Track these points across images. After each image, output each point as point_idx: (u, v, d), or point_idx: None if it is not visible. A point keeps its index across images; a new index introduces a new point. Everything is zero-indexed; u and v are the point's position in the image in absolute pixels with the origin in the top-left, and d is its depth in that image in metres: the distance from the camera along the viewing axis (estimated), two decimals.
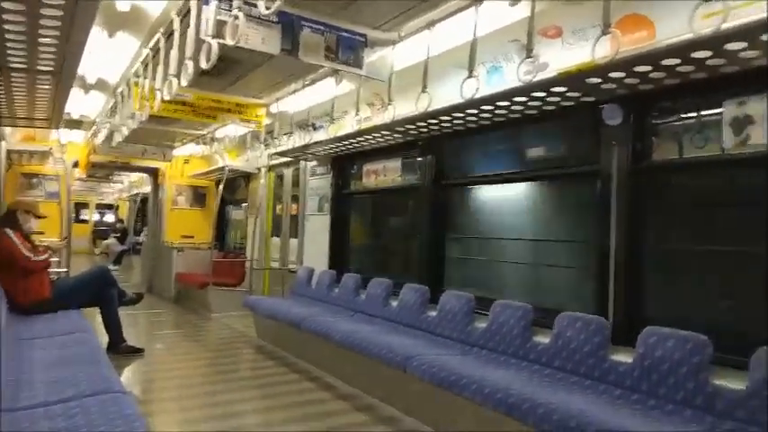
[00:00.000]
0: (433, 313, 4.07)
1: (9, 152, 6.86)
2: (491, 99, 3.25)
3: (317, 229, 6.43)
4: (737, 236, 2.81)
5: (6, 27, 2.58)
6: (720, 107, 2.74)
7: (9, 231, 4.53)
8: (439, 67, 3.86)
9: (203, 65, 2.62)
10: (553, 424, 2.32)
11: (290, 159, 6.91)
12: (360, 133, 4.61)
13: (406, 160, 5.22)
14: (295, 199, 7.32)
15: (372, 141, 4.90)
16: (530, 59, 2.99)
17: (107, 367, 3.10)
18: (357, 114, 4.59)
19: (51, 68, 3.35)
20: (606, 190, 3.18)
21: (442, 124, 3.96)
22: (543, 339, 3.18)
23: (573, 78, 2.84)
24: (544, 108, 3.37)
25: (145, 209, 14.83)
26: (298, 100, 5.57)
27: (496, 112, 3.53)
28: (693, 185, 3.09)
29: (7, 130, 5.97)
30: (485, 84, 3.60)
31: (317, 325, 4.46)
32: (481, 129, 3.97)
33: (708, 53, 2.32)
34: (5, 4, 2.32)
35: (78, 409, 2.44)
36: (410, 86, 3.90)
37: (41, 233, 5.28)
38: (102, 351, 3.63)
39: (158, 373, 4.79)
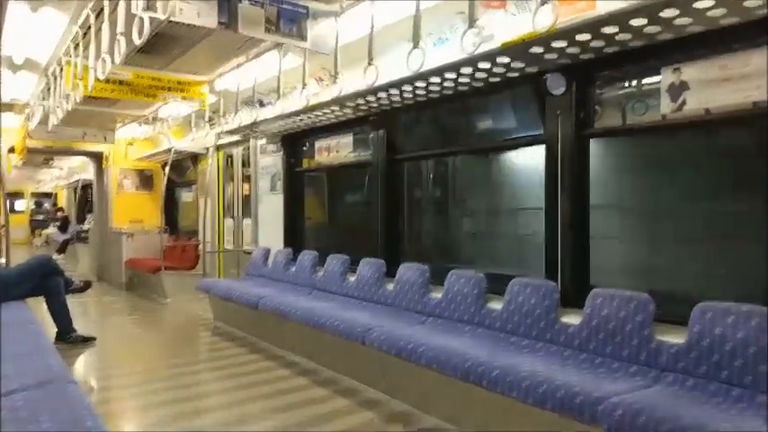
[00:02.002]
0: (391, 286, 4.11)
1: None
2: (437, 71, 3.25)
3: (271, 209, 6.34)
4: (678, 197, 2.95)
5: None
6: (659, 74, 2.83)
7: None
8: (386, 39, 3.82)
9: (137, 41, 2.50)
10: (506, 386, 2.41)
11: (238, 138, 6.73)
12: (309, 109, 4.53)
13: (358, 136, 5.18)
14: (247, 179, 7.17)
15: (322, 117, 4.83)
16: (474, 30, 2.99)
17: (53, 357, 3.00)
18: (304, 89, 4.50)
19: None
20: (552, 158, 3.26)
21: (392, 98, 3.94)
22: (497, 306, 3.27)
23: (516, 49, 2.87)
24: (491, 80, 3.39)
25: (87, 195, 14.22)
26: (243, 76, 5.39)
27: (444, 84, 3.53)
28: (637, 152, 3.21)
29: None
30: (431, 56, 3.59)
31: (275, 304, 4.44)
32: (431, 102, 3.97)
33: (644, 21, 2.38)
34: None
35: (22, 402, 2.36)
36: (358, 60, 3.84)
37: None
38: (49, 341, 3.49)
39: (112, 362, 4.67)
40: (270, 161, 6.39)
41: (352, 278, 4.57)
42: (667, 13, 2.29)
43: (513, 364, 2.55)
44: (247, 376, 3.99)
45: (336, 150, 5.53)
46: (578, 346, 2.77)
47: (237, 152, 7.41)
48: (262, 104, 5.55)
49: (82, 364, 4.47)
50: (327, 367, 3.99)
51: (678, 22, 2.37)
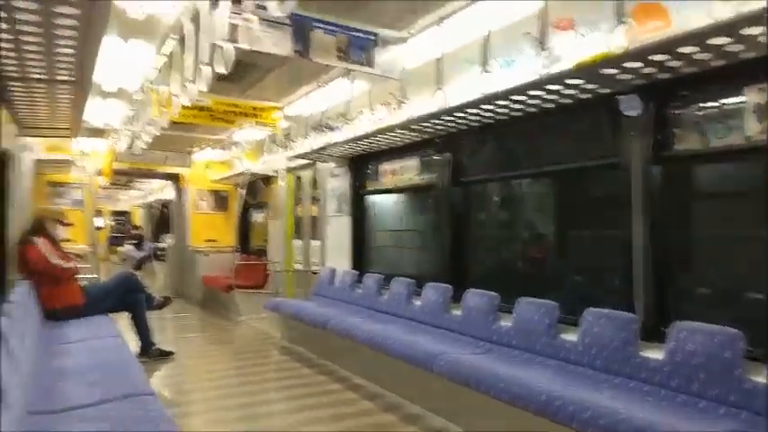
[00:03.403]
0: (457, 312, 4.05)
1: (36, 162, 7.05)
2: (506, 94, 3.22)
3: (338, 230, 6.45)
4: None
5: (25, 39, 2.65)
6: (742, 94, 2.67)
7: (37, 240, 4.65)
8: (453, 63, 3.84)
9: (220, 69, 2.65)
10: (582, 422, 2.30)
11: (307, 161, 6.95)
12: (376, 133, 4.61)
13: (424, 158, 5.20)
14: (315, 200, 7.36)
15: (388, 140, 4.90)
16: (543, 52, 2.96)
17: (137, 371, 3.17)
18: (372, 113, 4.59)
19: (69, 77, 3.42)
20: (626, 182, 3.13)
21: (458, 121, 3.94)
22: (570, 336, 3.15)
23: (588, 70, 2.80)
24: (560, 102, 3.33)
25: (162, 215, 15.04)
26: (313, 102, 5.60)
27: (512, 107, 3.50)
28: (717, 175, 3.03)
29: (34, 140, 6.13)
30: (500, 79, 3.57)
31: (341, 325, 4.49)
32: (498, 125, 3.94)
33: (726, 39, 2.26)
34: (21, 16, 2.37)
35: (110, 412, 2.51)
36: (424, 84, 3.89)
37: (69, 240, 5.40)
38: (132, 355, 3.70)
39: (188, 376, 4.87)
40: (337, 183, 6.53)
41: (417, 302, 4.55)
42: (751, 30, 2.17)
43: (590, 399, 2.43)
44: (314, 397, 4.04)
45: (401, 173, 5.58)
46: (660, 382, 2.60)
47: (306, 174, 7.62)
48: (329, 128, 5.71)
49: (160, 378, 4.69)
50: (393, 392, 3.97)
51: (763, 40, 2.23)
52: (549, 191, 4.13)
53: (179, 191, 9.78)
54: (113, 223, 21.45)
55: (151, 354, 4.99)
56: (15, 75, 3.26)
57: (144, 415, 2.47)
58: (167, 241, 11.92)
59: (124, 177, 11.52)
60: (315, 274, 6.81)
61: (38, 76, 3.32)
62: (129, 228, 18.83)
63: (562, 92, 3.14)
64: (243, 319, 7.32)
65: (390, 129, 4.42)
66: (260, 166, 7.91)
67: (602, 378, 2.84)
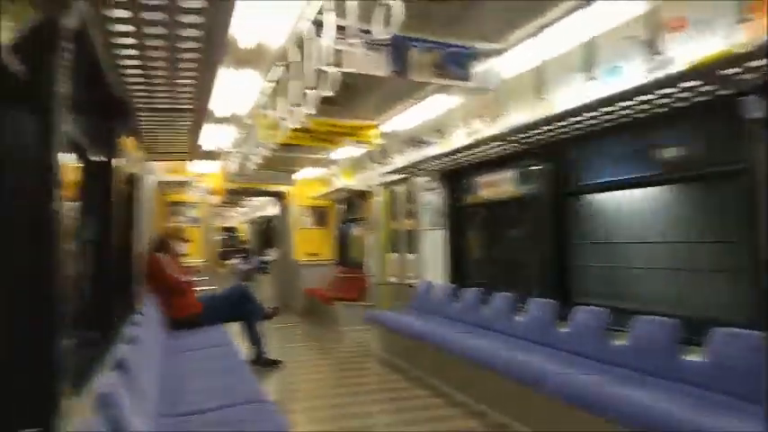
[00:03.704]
0: (564, 329, 3.89)
1: (158, 183, 7.78)
2: (619, 97, 3.06)
3: (433, 244, 6.46)
4: None
5: (153, 73, 2.94)
6: None
7: (161, 255, 5.12)
8: (551, 72, 3.75)
9: (326, 93, 2.79)
10: None
11: (402, 176, 7.05)
12: (472, 146, 4.59)
13: (522, 170, 5.08)
14: (410, 214, 7.43)
15: (484, 153, 4.85)
16: (655, 54, 2.80)
17: (252, 378, 3.37)
18: (467, 127, 4.58)
19: (188, 106, 3.75)
20: (754, 188, 2.85)
21: (560, 130, 3.82)
22: (694, 357, 2.91)
23: (705, 70, 2.61)
24: (673, 105, 3.12)
25: (266, 230, 15.86)
26: (408, 118, 5.69)
27: (621, 113, 3.33)
28: None
29: (156, 164, 6.77)
30: (605, 84, 3.43)
31: (440, 339, 4.47)
32: (603, 132, 3.76)
33: None
34: (152, 53, 2.64)
35: (230, 417, 2.68)
36: (520, 94, 3.82)
37: (187, 255, 5.88)
38: (246, 363, 3.94)
39: (293, 385, 5.08)
40: (432, 197, 6.56)
41: (519, 317, 4.42)
42: None
43: (722, 428, 2.23)
44: (414, 412, 4.05)
45: (498, 185, 5.49)
46: None
47: (401, 189, 7.73)
48: (424, 143, 5.76)
49: (269, 386, 4.93)
50: (495, 410, 3.87)
51: None
52: (663, 198, 3.86)
53: (282, 207, 10.30)
54: (223, 238, 22.99)
55: (262, 362, 5.27)
56: (144, 106, 3.62)
57: (262, 421, 2.61)
58: (272, 255, 12.56)
59: (233, 196, 12.32)
60: (411, 286, 6.87)
61: (162, 106, 3.68)
62: (237, 242, 20.06)
63: (676, 95, 2.95)
64: (343, 329, 7.52)
65: (488, 140, 4.38)
66: (356, 182, 8.14)
67: (734, 404, 2.59)
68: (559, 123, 3.61)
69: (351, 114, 5.56)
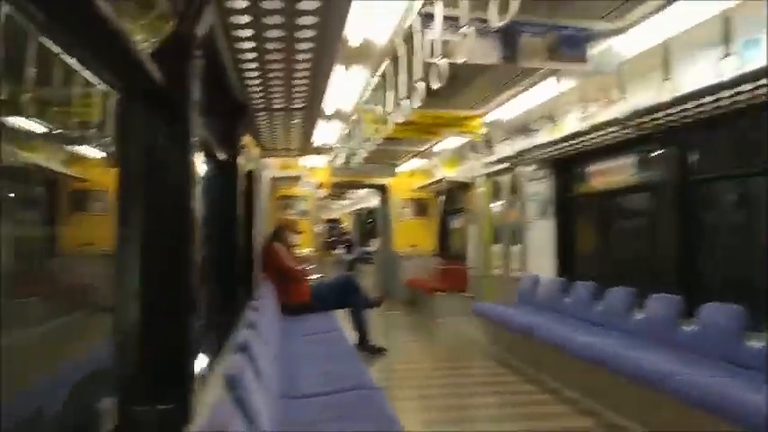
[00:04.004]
0: (689, 327, 3.59)
1: (272, 179, 8.26)
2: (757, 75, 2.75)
3: (539, 235, 6.23)
4: None
5: (272, 75, 3.10)
6: None
7: (278, 245, 5.42)
8: (677, 50, 3.43)
9: (434, 85, 2.78)
10: None
11: (505, 166, 6.87)
12: (588, 131, 4.34)
13: (640, 156, 4.73)
14: (513, 205, 7.23)
15: (598, 139, 4.57)
16: None
17: (361, 364, 3.48)
18: (581, 112, 4.34)
19: (303, 105, 3.92)
20: None
21: (689, 112, 3.49)
22: None
23: None
24: None
25: (367, 221, 16.19)
26: (513, 105, 5.52)
27: (760, 92, 2.98)
28: None
29: (269, 160, 7.17)
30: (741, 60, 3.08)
31: (551, 334, 4.32)
32: (736, 114, 3.38)
33: None
34: (270, 56, 2.77)
35: (341, 402, 2.79)
36: (641, 76, 3.54)
37: (298, 246, 6.17)
38: (355, 349, 4.07)
39: (398, 373, 5.17)
40: (539, 187, 6.32)
41: (638, 314, 4.14)
42: None
43: None
44: (520, 407, 3.96)
45: (613, 173, 5.16)
46: None
47: (504, 180, 7.53)
48: (532, 131, 5.56)
49: (374, 373, 5.05)
50: (610, 409, 3.67)
51: None
52: None
53: (384, 199, 10.48)
54: (327, 230, 23.93)
55: (367, 349, 5.42)
56: (262, 107, 3.84)
57: (370, 408, 2.69)
58: (374, 245, 12.85)
59: (338, 189, 12.75)
60: (515, 279, 6.69)
61: (278, 106, 3.88)
62: (341, 234, 20.74)
63: None
64: (444, 320, 7.52)
65: (605, 125, 4.12)
66: (458, 173, 8.06)
67: None
68: (688, 105, 3.30)
69: (456, 105, 5.50)
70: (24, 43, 2.29)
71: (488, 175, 7.74)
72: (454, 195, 9.35)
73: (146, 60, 1.56)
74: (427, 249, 9.57)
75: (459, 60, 2.62)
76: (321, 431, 2.40)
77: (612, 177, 5.15)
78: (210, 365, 2.49)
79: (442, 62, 2.67)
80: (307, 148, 5.86)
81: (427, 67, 2.95)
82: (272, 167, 7.59)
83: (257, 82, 3.23)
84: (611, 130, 4.18)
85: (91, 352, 2.17)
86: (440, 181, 8.43)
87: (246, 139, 4.17)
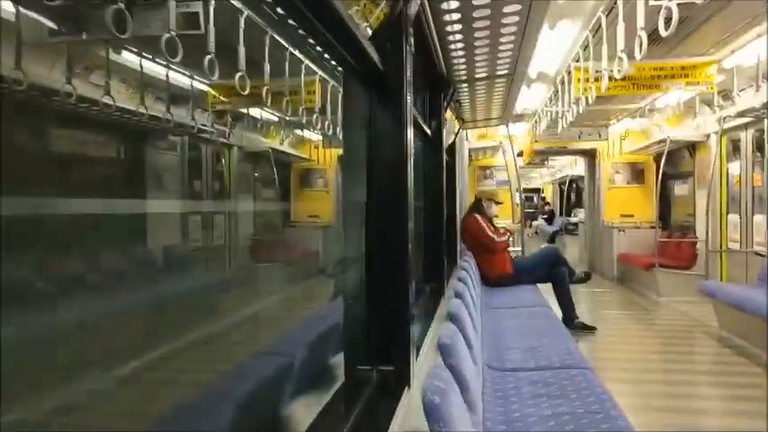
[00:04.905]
0: None
1: (470, 150, 8.26)
2: None
3: None
4: None
5: (477, 44, 3.04)
6: None
7: (477, 216, 5.43)
8: None
9: (663, 32, 2.42)
10: None
11: (749, 120, 5.76)
12: None
13: None
14: (758, 167, 6.06)
15: None
16: None
17: (570, 342, 3.32)
18: None
19: (506, 72, 3.78)
20: None
21: None
22: None
23: None
24: None
25: (572, 190, 15.19)
26: (760, 47, 4.56)
27: None
28: None
29: (468, 131, 7.17)
30: None
31: None
32: None
33: None
34: (477, 24, 2.71)
35: (549, 379, 2.69)
36: None
37: (497, 216, 6.10)
38: (563, 326, 3.90)
39: (609, 353, 4.83)
40: None
41: None
42: None
43: None
44: (757, 402, 3.37)
45: None
46: None
47: (746, 136, 6.34)
48: None
49: (583, 351, 4.79)
50: None
51: None
52: None
53: (591, 165, 9.72)
54: (527, 200, 23.32)
55: (573, 326, 5.15)
56: (464, 77, 3.82)
57: (583, 388, 2.54)
58: (578, 216, 12.08)
59: (538, 156, 12.23)
60: (759, 255, 5.65)
61: (481, 75, 3.81)
62: (541, 204, 20.00)
63: None
64: (664, 300, 6.76)
65: None
66: (685, 131, 7.04)
67: None
68: None
69: (682, 52, 4.77)
70: (263, 40, 2.62)
71: (724, 132, 6.60)
72: (677, 158, 8.22)
73: (366, 45, 1.65)
74: (643, 220, 8.62)
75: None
76: (532, 407, 2.35)
77: None
78: (421, 332, 2.61)
79: (672, 3, 2.31)
80: (507, 116, 5.68)
81: (651, 11, 2.59)
82: (470, 139, 7.58)
83: (461, 53, 3.21)
84: None
85: (323, 313, 2.46)
86: (661, 142, 7.44)
87: (449, 113, 4.22)
